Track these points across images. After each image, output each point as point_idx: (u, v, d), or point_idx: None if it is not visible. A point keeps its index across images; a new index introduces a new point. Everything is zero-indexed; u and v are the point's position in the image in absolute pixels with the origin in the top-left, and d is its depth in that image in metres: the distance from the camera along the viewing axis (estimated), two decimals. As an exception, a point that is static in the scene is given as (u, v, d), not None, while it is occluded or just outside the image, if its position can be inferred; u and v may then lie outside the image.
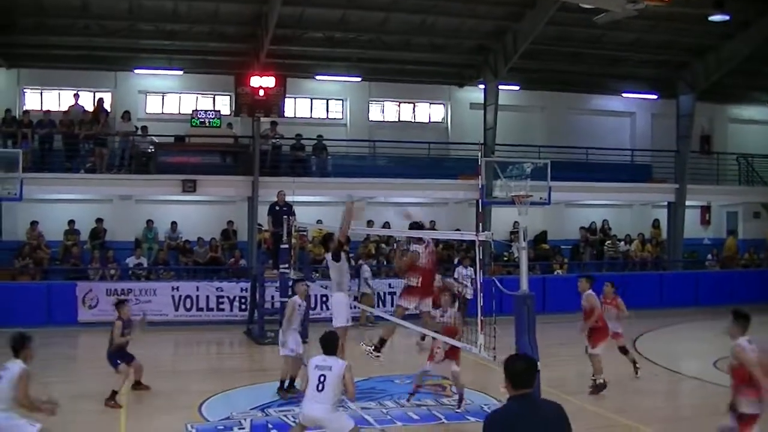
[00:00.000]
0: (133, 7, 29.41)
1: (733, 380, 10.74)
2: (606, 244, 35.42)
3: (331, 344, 11.96)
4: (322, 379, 11.31)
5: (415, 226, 16.44)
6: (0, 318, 25.38)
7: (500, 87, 33.32)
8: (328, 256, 17.28)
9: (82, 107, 31.84)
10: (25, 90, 33.55)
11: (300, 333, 17.97)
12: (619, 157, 36.68)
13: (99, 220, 31.17)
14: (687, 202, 35.84)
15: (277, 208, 25.66)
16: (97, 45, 31.26)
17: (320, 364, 11.50)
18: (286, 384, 16.89)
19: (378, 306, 28.04)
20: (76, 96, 31.99)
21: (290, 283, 20.18)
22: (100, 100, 31.85)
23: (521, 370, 7.16)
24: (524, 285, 10.22)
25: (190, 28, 30.62)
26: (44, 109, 32.47)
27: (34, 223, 30.23)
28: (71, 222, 30.78)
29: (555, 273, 32.41)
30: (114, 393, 15.81)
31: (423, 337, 21.00)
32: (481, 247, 11.88)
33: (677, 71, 35.40)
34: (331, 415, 11.39)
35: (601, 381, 17.20)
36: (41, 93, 33.83)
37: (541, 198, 30.85)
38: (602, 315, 17.79)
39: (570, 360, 20.00)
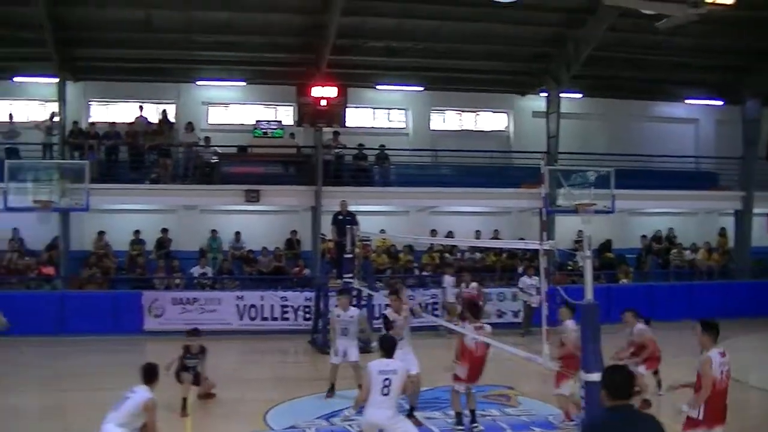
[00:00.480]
0: (191, 19, 29.75)
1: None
2: (671, 252, 35.00)
3: (390, 347, 11.92)
4: (387, 383, 11.26)
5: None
6: (68, 326, 25.98)
7: (562, 95, 33.14)
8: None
9: (146, 118, 32.25)
10: (91, 102, 34.04)
11: (360, 340, 18.15)
12: (684, 165, 36.20)
13: (164, 230, 31.56)
14: (754, 210, 35.26)
15: (340, 217, 25.74)
16: (160, 57, 31.62)
17: (384, 369, 11.44)
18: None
19: (441, 315, 27.94)
20: (141, 108, 32.36)
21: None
22: (164, 112, 32.25)
23: (620, 380, 7.19)
24: (589, 294, 10.15)
25: (248, 39, 30.83)
26: (110, 121, 32.89)
27: (101, 233, 30.71)
28: (137, 232, 31.22)
29: (620, 282, 32.10)
30: (184, 400, 15.99)
31: None
32: (545, 257, 11.83)
33: (742, 76, 34.92)
34: (395, 419, 11.34)
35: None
36: (107, 105, 34.30)
37: (604, 206, 30.68)
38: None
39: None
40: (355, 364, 17.34)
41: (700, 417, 10.73)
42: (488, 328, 14.95)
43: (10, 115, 31.45)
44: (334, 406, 16.64)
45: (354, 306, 19.37)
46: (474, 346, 14.65)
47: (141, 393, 11.25)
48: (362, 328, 18.29)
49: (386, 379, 11.27)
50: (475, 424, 14.94)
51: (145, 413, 11.25)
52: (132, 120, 32.18)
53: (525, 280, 28.14)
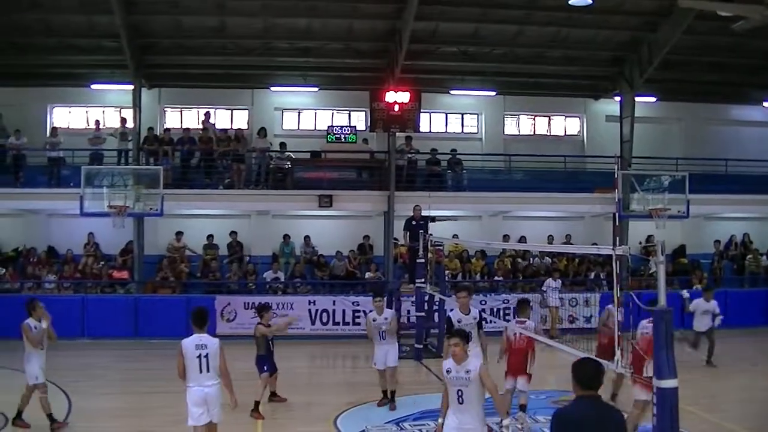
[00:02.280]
0: (268, 26, 29.94)
1: None
2: (747, 258, 34.44)
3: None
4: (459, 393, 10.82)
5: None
6: (143, 329, 26.32)
7: (636, 98, 32.77)
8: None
9: (213, 125, 32.66)
10: (165, 108, 34.49)
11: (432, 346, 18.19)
12: (760, 169, 35.51)
13: (233, 233, 31.92)
14: (833, 215, 34.50)
15: (414, 222, 25.70)
16: (234, 64, 31.99)
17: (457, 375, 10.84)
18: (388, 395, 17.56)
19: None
20: (207, 114, 32.79)
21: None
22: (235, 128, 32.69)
23: (591, 372, 7.54)
24: (662, 300, 10.05)
25: (324, 45, 30.99)
26: (183, 126, 33.38)
27: (179, 234, 31.12)
28: (210, 236, 31.48)
29: (694, 288, 31.65)
30: (257, 403, 16.10)
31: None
32: (618, 262, 11.74)
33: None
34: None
35: None
36: (181, 111, 34.77)
37: (679, 211, 30.39)
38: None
39: (708, 377, 19.58)
40: (393, 371, 17.54)
41: None
42: (531, 324, 15.81)
43: (97, 121, 32.06)
44: (404, 411, 16.66)
45: (388, 308, 19.27)
46: (513, 338, 15.66)
47: (210, 340, 11.51)
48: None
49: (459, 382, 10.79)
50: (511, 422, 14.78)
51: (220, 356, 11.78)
52: (202, 125, 32.59)
53: (549, 283, 28.12)
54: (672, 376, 9.71)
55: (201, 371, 11.40)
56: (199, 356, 11.40)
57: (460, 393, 10.70)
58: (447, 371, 10.89)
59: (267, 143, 31.91)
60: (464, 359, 10.85)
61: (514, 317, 19.48)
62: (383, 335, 17.51)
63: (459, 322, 14.88)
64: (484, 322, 15.93)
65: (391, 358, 17.43)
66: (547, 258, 32.34)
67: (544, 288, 28.24)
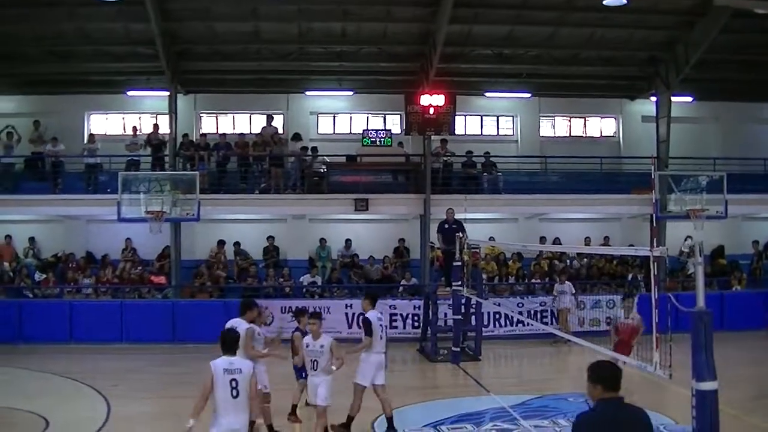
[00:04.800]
0: (303, 30, 30.02)
1: None
2: (787, 258, 34.10)
3: None
4: None
5: None
6: (180, 334, 26.46)
7: (673, 98, 32.49)
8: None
9: (275, 129, 32.79)
10: (201, 114, 34.69)
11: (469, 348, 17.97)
12: (801, 168, 35.25)
13: (270, 238, 32.08)
14: None
15: (446, 225, 25.68)
16: (269, 69, 32.11)
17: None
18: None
19: (551, 323, 27.81)
20: (270, 118, 32.88)
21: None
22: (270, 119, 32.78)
23: (612, 373, 7.42)
24: (701, 301, 9.97)
25: (359, 49, 31.04)
26: (219, 132, 33.59)
27: (221, 242, 31.36)
28: (236, 244, 31.80)
29: (733, 289, 31.45)
30: (294, 407, 16.13)
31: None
32: (656, 263, 11.67)
33: None
34: None
35: None
36: (216, 117, 34.96)
37: (717, 212, 30.15)
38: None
39: (749, 380, 19.41)
40: (321, 411, 14.29)
41: None
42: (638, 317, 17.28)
43: (134, 128, 32.25)
44: (442, 414, 16.63)
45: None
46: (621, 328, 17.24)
47: (243, 363, 11.20)
48: None
49: None
50: None
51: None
52: (260, 130, 32.68)
53: (557, 287, 28.03)
54: (711, 378, 9.64)
55: (233, 396, 10.73)
56: (232, 381, 10.71)
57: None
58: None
59: (300, 147, 32.07)
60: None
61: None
62: (315, 365, 14.24)
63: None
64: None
65: (320, 394, 14.06)
66: (586, 259, 32.25)
67: (555, 293, 28.17)
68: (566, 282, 28.08)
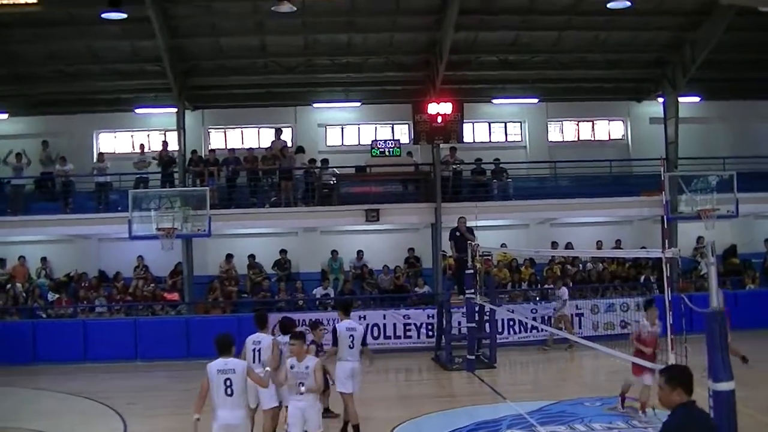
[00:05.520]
0: (309, 43, 30.13)
1: None
2: (800, 256, 33.96)
3: None
4: None
5: None
6: (195, 350, 26.47)
7: (680, 99, 32.48)
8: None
9: (285, 142, 32.86)
10: (209, 129, 34.76)
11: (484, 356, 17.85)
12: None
13: (282, 252, 32.10)
14: None
15: (458, 234, 25.68)
16: (276, 82, 32.13)
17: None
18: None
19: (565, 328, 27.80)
20: (279, 132, 33.01)
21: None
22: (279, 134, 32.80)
23: (689, 376, 7.21)
24: (714, 301, 9.97)
25: (365, 60, 31.11)
26: (228, 147, 33.74)
27: (229, 256, 31.32)
28: (251, 256, 31.85)
29: (747, 288, 31.36)
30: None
31: None
32: (668, 264, 11.65)
33: None
34: None
35: None
36: (225, 131, 35.03)
37: (728, 211, 30.06)
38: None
39: (765, 378, 19.31)
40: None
41: None
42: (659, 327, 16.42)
43: (142, 145, 32.34)
44: (459, 423, 16.56)
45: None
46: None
47: (237, 363, 11.81)
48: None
49: None
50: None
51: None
52: (270, 144, 32.82)
53: (557, 292, 28.03)
54: (728, 378, 9.63)
55: (227, 394, 11.50)
56: (226, 380, 11.49)
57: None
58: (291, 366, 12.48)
59: (305, 160, 32.24)
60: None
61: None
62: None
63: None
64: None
65: (311, 421, 12.81)
66: (600, 264, 32.22)
67: (556, 298, 28.18)
68: (563, 287, 28.10)
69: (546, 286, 30.96)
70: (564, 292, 27.75)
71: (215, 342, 11.90)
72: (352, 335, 15.66)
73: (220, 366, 11.55)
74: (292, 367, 12.74)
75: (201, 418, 11.48)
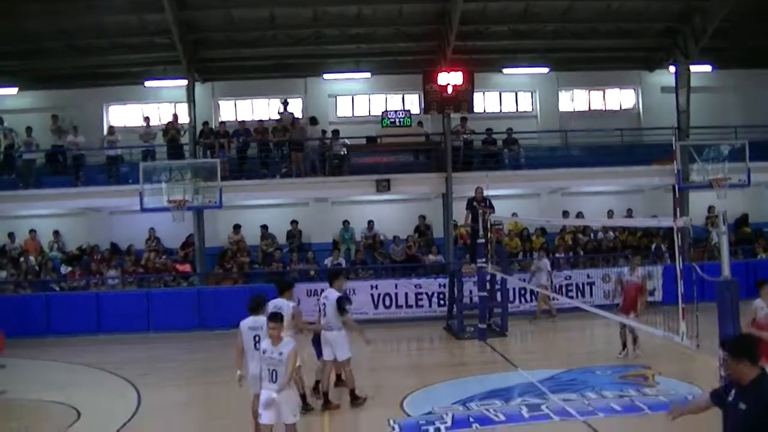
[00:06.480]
0: (318, 14, 30.03)
1: None
2: (812, 224, 33.85)
3: None
4: None
5: None
6: (207, 321, 26.60)
7: (692, 68, 32.31)
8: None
9: (293, 114, 32.80)
10: (219, 101, 34.75)
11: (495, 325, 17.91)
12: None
13: (294, 222, 32.21)
14: None
15: (475, 203, 25.63)
16: (286, 54, 32.12)
17: None
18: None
19: (576, 297, 27.78)
20: (286, 103, 32.85)
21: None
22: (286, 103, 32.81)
23: (752, 346, 7.27)
24: (726, 271, 9.97)
25: (375, 30, 31.02)
26: (238, 119, 33.76)
27: (236, 227, 31.41)
28: (264, 227, 32.01)
29: (759, 257, 31.29)
30: (325, 394, 16.08)
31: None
32: (679, 233, 11.64)
33: None
34: None
35: None
36: (235, 103, 35.02)
37: (740, 180, 30.00)
38: None
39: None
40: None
41: None
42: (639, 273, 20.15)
43: (146, 118, 32.29)
44: (471, 391, 16.60)
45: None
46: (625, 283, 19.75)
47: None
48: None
49: None
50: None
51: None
52: (279, 116, 32.86)
53: (536, 262, 27.97)
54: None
55: (256, 348, 12.53)
56: (255, 336, 12.86)
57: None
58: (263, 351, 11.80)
59: (318, 131, 32.10)
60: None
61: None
62: (275, 376, 11.51)
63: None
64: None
65: (284, 412, 11.64)
66: (611, 232, 32.18)
67: (532, 268, 28.15)
68: (544, 258, 28.20)
69: (557, 254, 30.94)
70: (545, 263, 27.75)
71: (249, 302, 13.47)
72: (324, 303, 16.20)
73: (250, 323, 13.10)
74: (264, 352, 11.69)
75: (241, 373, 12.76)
